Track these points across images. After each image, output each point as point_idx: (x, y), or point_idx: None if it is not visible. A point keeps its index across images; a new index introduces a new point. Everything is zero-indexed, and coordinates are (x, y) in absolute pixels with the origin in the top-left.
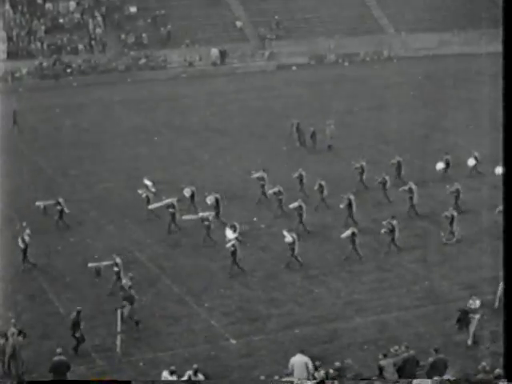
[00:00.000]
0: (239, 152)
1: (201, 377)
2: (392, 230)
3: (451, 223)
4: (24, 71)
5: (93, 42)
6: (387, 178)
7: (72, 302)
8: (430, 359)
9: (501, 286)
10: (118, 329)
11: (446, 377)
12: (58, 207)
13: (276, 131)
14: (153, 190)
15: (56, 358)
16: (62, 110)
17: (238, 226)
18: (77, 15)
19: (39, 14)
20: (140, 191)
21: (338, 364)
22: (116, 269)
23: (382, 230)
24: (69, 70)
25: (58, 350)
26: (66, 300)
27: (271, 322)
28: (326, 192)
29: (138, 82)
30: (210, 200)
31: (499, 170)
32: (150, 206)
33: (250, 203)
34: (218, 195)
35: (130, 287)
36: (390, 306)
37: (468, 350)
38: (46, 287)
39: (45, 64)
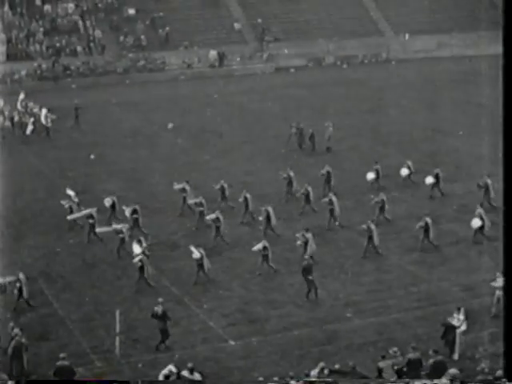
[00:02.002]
0: (238, 154)
1: (197, 376)
2: (306, 243)
3: (370, 238)
4: (23, 73)
5: (91, 44)
6: (309, 189)
7: (71, 304)
8: (430, 361)
9: (497, 293)
10: (117, 330)
11: (444, 378)
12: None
13: (274, 133)
14: (76, 200)
15: (59, 363)
16: (61, 112)
17: (143, 241)
18: (75, 17)
19: (38, 16)
20: (63, 202)
21: (337, 366)
22: (18, 285)
23: (297, 242)
24: (68, 72)
25: (62, 355)
26: (65, 301)
27: (270, 323)
28: (251, 205)
29: (136, 83)
30: (128, 212)
31: (430, 179)
32: (69, 217)
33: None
34: (137, 206)
35: None
36: (389, 307)
37: (467, 351)
38: (44, 288)
39: (44, 66)
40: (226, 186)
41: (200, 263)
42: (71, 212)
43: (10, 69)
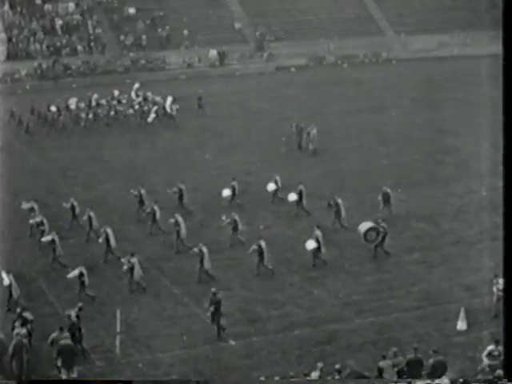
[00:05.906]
0: (238, 153)
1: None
2: (132, 268)
3: (201, 262)
4: (23, 72)
5: (92, 44)
6: (156, 207)
7: (71, 304)
8: (430, 361)
9: (495, 289)
10: (118, 329)
11: (445, 378)
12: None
13: (275, 133)
14: None
15: (63, 342)
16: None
17: None
18: (76, 16)
19: (38, 15)
20: None
21: (338, 366)
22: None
23: (124, 268)
24: (68, 72)
25: (65, 334)
26: (66, 301)
27: (270, 323)
28: (95, 223)
29: (136, 83)
30: None
31: (293, 196)
32: None
33: (248, 204)
34: None
35: None
36: (389, 307)
37: (467, 351)
38: (45, 288)
39: (44, 65)
40: (75, 203)
41: (9, 290)
42: None
43: (10, 68)
